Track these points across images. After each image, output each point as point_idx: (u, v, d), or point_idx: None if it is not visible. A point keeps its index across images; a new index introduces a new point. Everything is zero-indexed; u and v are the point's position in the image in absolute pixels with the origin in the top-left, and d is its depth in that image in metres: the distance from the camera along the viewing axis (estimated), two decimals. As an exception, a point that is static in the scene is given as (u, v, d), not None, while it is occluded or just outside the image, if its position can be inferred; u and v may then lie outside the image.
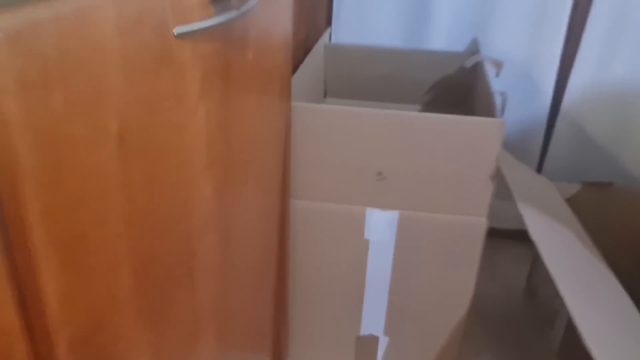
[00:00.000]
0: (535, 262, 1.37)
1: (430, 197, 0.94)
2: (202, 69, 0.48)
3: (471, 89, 1.31)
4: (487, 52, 1.37)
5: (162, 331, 0.48)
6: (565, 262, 0.94)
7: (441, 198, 0.94)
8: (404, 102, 1.40)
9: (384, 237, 0.98)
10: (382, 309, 1.05)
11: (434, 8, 1.36)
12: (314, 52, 1.24)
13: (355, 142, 0.92)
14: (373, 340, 1.09)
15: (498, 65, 1.17)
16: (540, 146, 1.45)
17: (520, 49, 1.36)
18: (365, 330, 1.08)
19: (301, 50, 1.22)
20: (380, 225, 0.97)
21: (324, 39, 1.36)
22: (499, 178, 0.96)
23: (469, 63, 1.22)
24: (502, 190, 1.05)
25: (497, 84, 1.36)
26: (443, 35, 1.38)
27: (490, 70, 1.16)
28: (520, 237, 1.41)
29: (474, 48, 1.32)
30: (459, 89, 1.35)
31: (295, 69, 1.08)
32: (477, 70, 1.24)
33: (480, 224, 0.94)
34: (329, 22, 1.45)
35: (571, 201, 1.24)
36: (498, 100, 0.94)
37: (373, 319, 1.06)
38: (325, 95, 1.44)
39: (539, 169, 1.48)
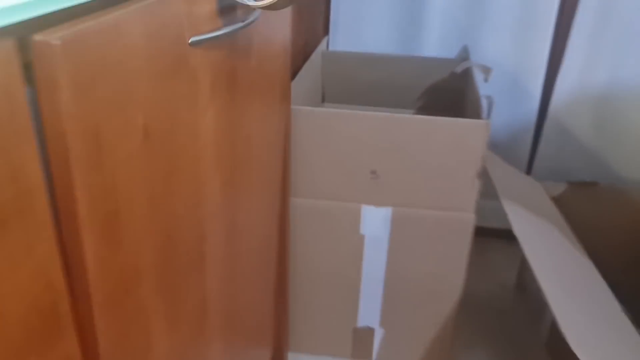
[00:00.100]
0: (525, 260, 1.42)
1: (421, 194, 1.00)
2: (212, 74, 0.55)
3: (462, 94, 1.38)
4: (477, 59, 1.43)
5: (177, 309, 0.53)
6: (546, 255, 1.00)
7: (431, 195, 1.00)
8: (399, 107, 1.46)
9: (379, 232, 1.04)
10: (378, 300, 1.11)
11: (427, 17, 1.43)
12: (312, 59, 1.31)
13: (351, 143, 0.98)
14: (369, 331, 1.15)
15: (487, 71, 1.23)
16: (529, 148, 1.51)
17: (509, 56, 1.43)
18: (362, 321, 1.14)
19: (300, 57, 1.29)
20: (375, 221, 1.03)
21: (321, 47, 1.42)
22: (486, 177, 1.02)
23: (459, 69, 1.29)
24: (493, 192, 1.11)
25: (487, 89, 1.43)
26: (435, 43, 1.45)
27: (479, 76, 1.22)
28: (512, 236, 1.46)
29: (464, 55, 1.39)
30: (450, 93, 1.41)
31: (294, 75, 1.15)
32: (467, 76, 1.31)
33: (468, 218, 1.00)
34: (326, 31, 1.52)
35: (557, 200, 1.30)
36: (484, 104, 1.01)
37: (369, 311, 1.12)
38: (323, 100, 1.50)
39: (529, 170, 1.55)
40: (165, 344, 0.51)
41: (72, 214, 0.34)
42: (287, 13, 0.84)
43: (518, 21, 1.39)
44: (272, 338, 1.07)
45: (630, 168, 1.46)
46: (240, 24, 0.58)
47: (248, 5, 0.57)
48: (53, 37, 0.30)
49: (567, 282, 0.97)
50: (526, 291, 1.41)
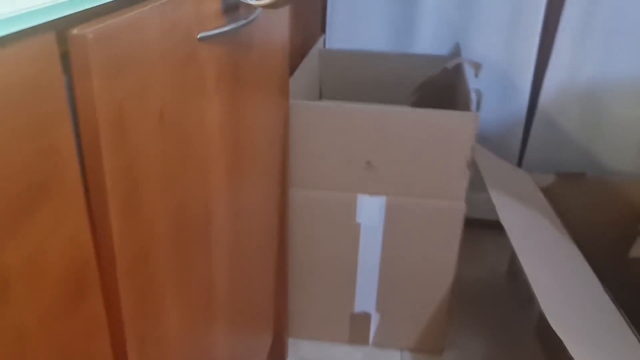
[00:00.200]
0: (516, 248, 1.48)
1: (414, 184, 1.05)
2: (217, 67, 0.60)
3: (453, 89, 1.43)
4: (469, 56, 1.49)
5: (187, 282, 0.58)
6: (533, 243, 1.04)
7: (424, 184, 1.05)
8: (393, 102, 1.52)
9: (374, 220, 1.09)
10: (374, 286, 1.16)
11: (420, 16, 1.48)
12: (309, 57, 1.36)
13: (346, 136, 1.03)
14: (366, 316, 1.20)
15: (477, 66, 1.28)
16: (519, 141, 1.56)
17: (499, 52, 1.48)
18: (358, 307, 1.19)
19: (298, 55, 1.34)
20: (370, 210, 1.08)
21: (318, 45, 1.47)
22: (475, 167, 1.07)
23: (450, 64, 1.34)
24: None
25: (478, 84, 1.48)
26: (428, 41, 1.50)
27: (469, 71, 1.28)
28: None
29: (456, 52, 1.44)
30: (443, 89, 1.47)
31: (293, 72, 1.20)
32: (458, 72, 1.36)
33: (459, 206, 1.05)
34: (323, 29, 1.57)
35: (546, 190, 1.35)
36: (474, 97, 1.06)
37: (366, 296, 1.17)
38: (320, 97, 1.55)
39: (520, 163, 1.60)
40: (177, 313, 0.56)
41: (100, 188, 0.39)
42: (285, 12, 0.89)
43: (507, 19, 1.45)
44: (272, 323, 1.12)
45: (617, 159, 1.51)
46: (243, 22, 0.63)
47: (250, 4, 0.62)
48: (87, 31, 0.35)
49: (553, 269, 1.02)
50: (517, 279, 1.46)
